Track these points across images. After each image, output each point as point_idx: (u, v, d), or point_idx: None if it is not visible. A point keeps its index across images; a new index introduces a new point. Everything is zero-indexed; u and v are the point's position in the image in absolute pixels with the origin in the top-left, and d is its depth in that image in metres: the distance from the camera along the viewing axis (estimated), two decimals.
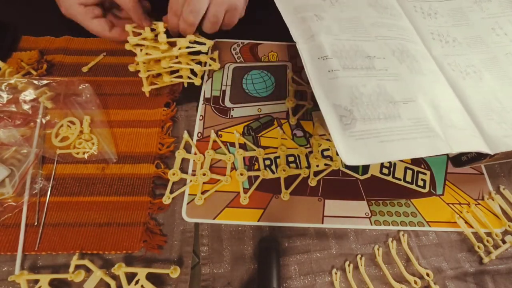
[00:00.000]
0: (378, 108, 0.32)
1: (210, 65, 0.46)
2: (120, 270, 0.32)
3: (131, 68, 0.44)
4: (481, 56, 0.41)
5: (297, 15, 0.39)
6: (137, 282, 0.32)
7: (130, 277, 0.32)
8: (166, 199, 0.37)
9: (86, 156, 0.38)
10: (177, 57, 0.42)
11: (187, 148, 0.41)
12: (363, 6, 0.41)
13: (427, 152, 0.30)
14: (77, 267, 0.32)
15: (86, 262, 0.32)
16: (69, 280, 0.31)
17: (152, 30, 0.42)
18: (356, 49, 0.36)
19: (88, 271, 0.32)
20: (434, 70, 0.38)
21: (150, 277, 0.32)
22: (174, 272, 0.32)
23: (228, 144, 0.41)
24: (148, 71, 0.42)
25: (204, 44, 0.43)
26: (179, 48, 0.41)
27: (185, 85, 0.45)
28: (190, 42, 0.42)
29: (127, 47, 0.42)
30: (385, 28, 0.39)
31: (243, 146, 0.42)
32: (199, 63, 0.45)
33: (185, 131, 0.42)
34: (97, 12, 0.43)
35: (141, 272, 0.32)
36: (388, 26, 0.40)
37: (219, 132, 0.42)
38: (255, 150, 0.41)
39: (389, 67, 0.35)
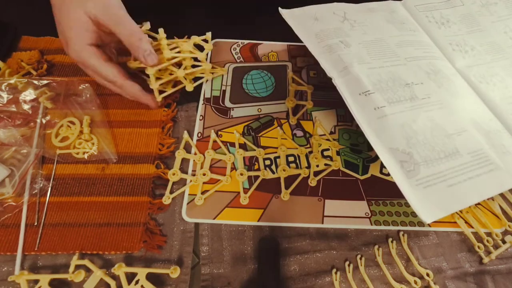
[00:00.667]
0: (435, 145, 0.30)
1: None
2: (120, 270, 0.32)
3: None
4: (502, 62, 0.40)
5: (320, 43, 0.38)
6: (137, 282, 0.32)
7: (130, 277, 0.32)
8: (166, 199, 0.37)
9: (86, 156, 0.38)
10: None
11: (187, 148, 0.41)
12: (382, 24, 0.41)
13: (496, 190, 0.29)
14: (77, 267, 0.32)
15: (86, 262, 0.32)
16: (69, 280, 0.31)
17: (154, 39, 0.41)
18: (392, 77, 0.35)
19: (88, 271, 0.32)
20: (465, 88, 0.37)
21: (150, 277, 0.32)
22: (174, 272, 0.32)
23: (228, 144, 0.41)
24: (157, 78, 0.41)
25: (203, 49, 0.43)
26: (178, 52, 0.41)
27: (190, 89, 0.43)
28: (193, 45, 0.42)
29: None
30: (411, 47, 0.39)
31: (243, 146, 0.41)
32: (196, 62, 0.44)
33: (185, 131, 0.42)
34: (112, 56, 0.39)
35: (141, 272, 0.32)
36: (413, 44, 0.39)
37: (219, 132, 0.42)
38: (255, 150, 0.41)
39: (431, 94, 0.34)
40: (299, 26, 0.39)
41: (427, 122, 0.32)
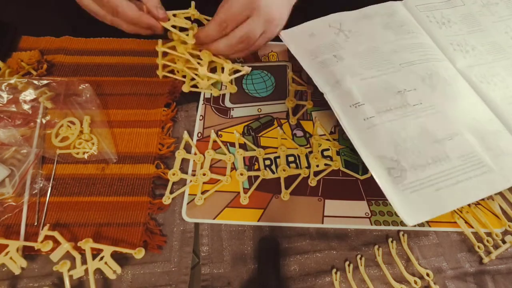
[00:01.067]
0: (424, 151, 0.31)
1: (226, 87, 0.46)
2: (87, 245, 0.32)
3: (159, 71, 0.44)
4: (503, 62, 0.40)
5: (315, 60, 0.38)
6: (101, 258, 0.32)
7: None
8: (166, 199, 0.37)
9: (86, 156, 0.38)
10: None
11: (187, 148, 0.41)
12: (378, 30, 0.41)
13: (487, 192, 0.30)
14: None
15: (55, 233, 0.32)
16: (37, 248, 0.32)
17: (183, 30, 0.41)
18: (384, 85, 0.35)
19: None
20: (465, 88, 0.37)
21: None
22: (138, 253, 0.32)
23: (228, 144, 0.41)
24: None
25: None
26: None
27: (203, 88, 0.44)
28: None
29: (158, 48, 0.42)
30: (407, 52, 0.39)
31: (243, 146, 0.41)
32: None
33: (185, 131, 0.42)
34: None
35: (107, 250, 0.32)
36: (409, 48, 0.39)
37: (219, 132, 0.42)
38: (255, 150, 0.41)
39: (423, 99, 0.34)
40: (296, 47, 0.39)
41: (417, 128, 0.32)
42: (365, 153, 0.31)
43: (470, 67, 0.39)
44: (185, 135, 0.41)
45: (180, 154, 0.40)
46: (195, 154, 0.40)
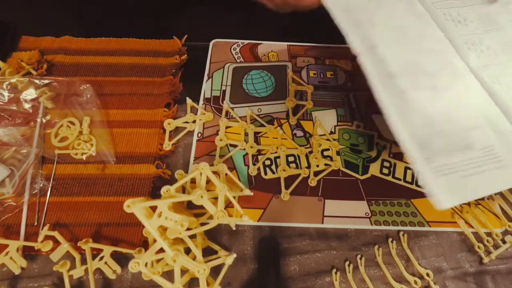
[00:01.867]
0: (454, 136, 0.31)
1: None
2: (87, 245, 0.32)
3: None
4: None
5: (349, 18, 0.37)
6: (101, 258, 0.32)
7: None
8: None
9: (84, 157, 0.38)
10: None
11: (188, 148, 0.41)
12: (404, 13, 0.41)
13: (504, 186, 0.30)
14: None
15: (55, 233, 0.33)
16: (37, 248, 0.32)
17: None
18: (415, 64, 0.35)
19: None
20: (479, 87, 0.37)
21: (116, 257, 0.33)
22: (139, 253, 0.32)
23: (228, 144, 0.41)
24: None
25: None
26: None
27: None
28: None
29: None
30: (430, 40, 0.39)
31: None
32: None
33: (187, 98, 0.43)
34: None
35: (107, 250, 0.32)
36: (431, 37, 0.39)
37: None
38: (265, 126, 0.42)
39: (450, 87, 0.35)
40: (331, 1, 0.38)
41: (447, 112, 0.33)
42: (399, 128, 0.31)
43: (484, 67, 0.39)
44: (188, 101, 0.43)
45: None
46: (203, 113, 0.40)
